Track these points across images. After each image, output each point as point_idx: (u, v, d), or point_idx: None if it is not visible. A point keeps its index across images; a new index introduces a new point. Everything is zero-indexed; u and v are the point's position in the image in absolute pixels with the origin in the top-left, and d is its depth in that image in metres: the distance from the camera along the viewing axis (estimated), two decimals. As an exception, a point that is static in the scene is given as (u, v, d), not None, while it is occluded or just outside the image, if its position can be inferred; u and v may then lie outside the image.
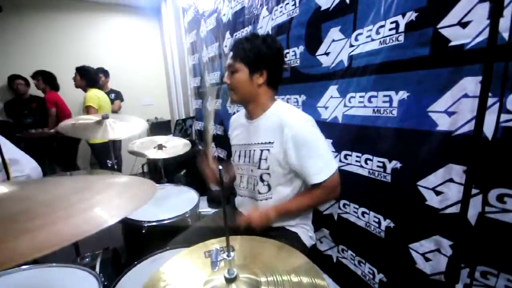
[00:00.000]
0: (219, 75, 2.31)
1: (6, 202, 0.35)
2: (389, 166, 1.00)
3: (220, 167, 0.50)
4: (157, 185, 1.73)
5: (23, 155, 1.71)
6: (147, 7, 4.00)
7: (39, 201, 0.36)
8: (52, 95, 3.02)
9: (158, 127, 3.68)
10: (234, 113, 2.15)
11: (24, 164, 1.46)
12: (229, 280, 0.50)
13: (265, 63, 0.92)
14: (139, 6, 3.91)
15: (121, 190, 0.44)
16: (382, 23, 0.95)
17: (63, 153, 3.19)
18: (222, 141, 2.47)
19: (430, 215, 0.89)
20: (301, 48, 1.32)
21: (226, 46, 2.11)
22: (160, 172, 2.00)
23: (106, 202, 0.38)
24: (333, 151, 1.21)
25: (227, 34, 2.05)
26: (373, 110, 1.02)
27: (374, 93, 1.01)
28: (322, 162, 0.88)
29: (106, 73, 3.52)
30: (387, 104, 0.97)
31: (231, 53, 0.95)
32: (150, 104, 4.34)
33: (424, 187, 0.90)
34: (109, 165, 1.71)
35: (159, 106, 4.39)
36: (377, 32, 0.97)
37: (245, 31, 1.81)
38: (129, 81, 3.96)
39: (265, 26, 1.59)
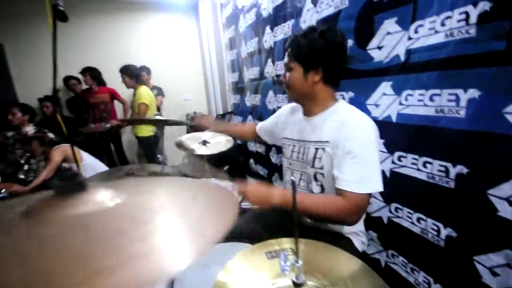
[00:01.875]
0: (258, 70, 2.30)
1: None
2: (453, 171, 0.91)
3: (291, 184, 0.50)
4: (204, 179, 1.82)
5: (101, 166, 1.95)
6: (184, 4, 4.13)
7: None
8: (107, 89, 3.35)
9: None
10: (273, 109, 2.15)
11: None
12: (297, 285, 0.51)
13: (320, 60, 0.86)
14: (177, 3, 4.04)
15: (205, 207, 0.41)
16: (449, 13, 0.85)
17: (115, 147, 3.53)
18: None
19: (501, 227, 0.81)
20: (350, 42, 1.25)
21: (266, 41, 2.09)
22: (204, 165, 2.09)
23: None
24: (384, 152, 1.15)
25: (267, 29, 2.03)
26: (436, 109, 0.93)
27: (437, 91, 0.92)
28: (365, 174, 0.80)
29: (148, 70, 3.75)
30: (453, 104, 0.88)
31: (288, 50, 0.93)
32: (189, 99, 4.53)
33: (496, 196, 0.81)
34: (160, 159, 1.83)
35: (197, 101, 4.56)
36: (442, 24, 0.88)
37: (287, 25, 1.77)
38: (168, 76, 4.15)
39: (308, 19, 1.54)
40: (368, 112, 1.21)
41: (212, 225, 0.35)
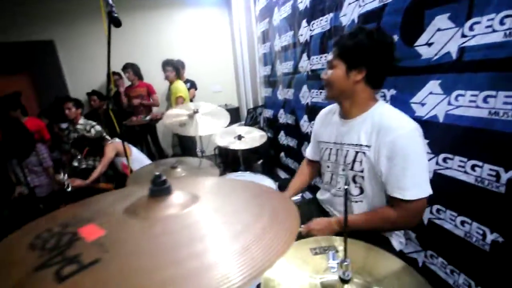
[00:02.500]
0: (292, 64, 2.30)
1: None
2: (505, 176, 0.88)
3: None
4: (238, 172, 1.90)
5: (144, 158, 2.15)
6: (216, -2, 4.17)
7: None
8: (145, 84, 3.56)
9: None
10: (306, 104, 2.15)
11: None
12: (345, 281, 0.56)
13: (365, 59, 0.87)
14: (209, -2, 4.09)
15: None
16: (509, 12, 0.80)
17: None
18: (292, 130, 2.51)
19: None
20: (395, 37, 1.21)
21: (301, 35, 2.07)
22: (238, 160, 2.18)
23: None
24: (428, 153, 1.12)
25: (304, 23, 2.01)
26: (489, 111, 0.89)
27: (493, 93, 0.88)
28: (417, 180, 0.80)
29: (183, 64, 3.90)
30: (510, 107, 0.83)
31: (333, 48, 0.94)
32: (219, 91, 4.64)
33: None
34: (199, 153, 1.95)
35: (227, 93, 4.66)
36: (502, 23, 0.82)
37: (325, 19, 1.74)
38: (199, 69, 4.27)
39: (350, 13, 1.50)
40: (411, 111, 1.18)
41: (274, 242, 0.36)
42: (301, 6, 2.00)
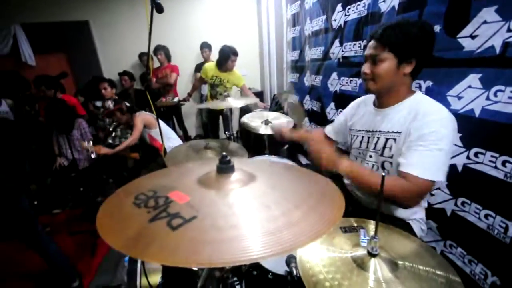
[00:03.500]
0: (323, 50, 2.28)
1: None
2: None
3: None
4: (265, 156, 1.99)
5: (172, 133, 2.30)
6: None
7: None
8: (171, 65, 3.69)
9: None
10: (335, 92, 2.15)
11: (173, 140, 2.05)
12: (372, 255, 0.64)
13: (417, 51, 0.87)
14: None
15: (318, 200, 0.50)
16: None
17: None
18: (317, 116, 2.53)
19: None
20: (437, 27, 1.19)
21: (335, 20, 2.04)
22: (262, 143, 2.27)
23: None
24: (460, 146, 1.14)
25: (339, 7, 1.97)
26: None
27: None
28: (432, 162, 0.82)
29: (210, 46, 3.96)
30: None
31: (374, 42, 0.92)
32: (244, 75, 4.66)
33: None
34: (227, 135, 2.05)
35: (251, 77, 4.67)
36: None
37: (363, 4, 1.70)
38: (225, 53, 4.30)
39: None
40: (447, 104, 1.18)
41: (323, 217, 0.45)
42: (337, -10, 1.96)
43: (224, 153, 0.54)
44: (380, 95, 1.01)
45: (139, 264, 1.17)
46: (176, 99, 3.42)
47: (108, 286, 1.29)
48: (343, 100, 2.07)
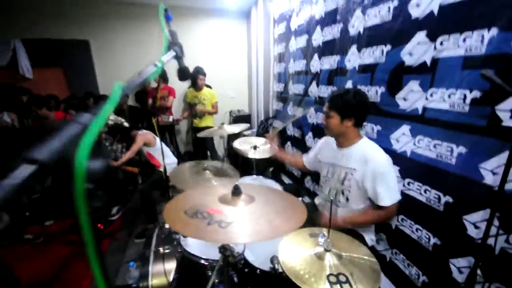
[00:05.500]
0: (303, 88, 2.71)
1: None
2: (443, 199, 1.30)
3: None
4: (253, 176, 2.32)
5: (168, 151, 2.59)
6: (237, 11, 4.57)
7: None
8: (169, 87, 4.00)
9: (240, 119, 4.37)
10: (313, 124, 2.57)
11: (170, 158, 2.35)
12: (327, 250, 0.98)
13: (353, 112, 1.30)
14: (229, 9, 4.49)
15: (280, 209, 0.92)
16: (453, 91, 1.21)
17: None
18: (298, 142, 2.93)
19: (469, 244, 1.19)
20: (382, 88, 1.63)
21: (313, 65, 2.49)
22: (250, 164, 2.60)
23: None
24: (398, 176, 1.54)
25: (315, 56, 2.42)
26: (436, 154, 1.32)
27: (439, 142, 1.30)
28: (391, 192, 1.25)
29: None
30: (449, 153, 1.26)
31: (327, 104, 1.36)
32: (233, 97, 5.04)
33: (467, 221, 1.19)
34: (221, 156, 2.37)
35: (239, 100, 5.07)
36: (449, 96, 1.24)
37: (333, 59, 2.16)
38: (216, 76, 4.68)
39: (352, 61, 1.92)
40: (390, 144, 1.60)
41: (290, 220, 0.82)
42: (315, 43, 2.42)
43: (236, 183, 0.88)
44: (336, 138, 1.44)
45: (150, 267, 1.43)
46: (171, 119, 3.70)
47: (120, 285, 1.50)
48: (319, 131, 2.48)
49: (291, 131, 3.10)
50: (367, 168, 1.28)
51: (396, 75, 1.53)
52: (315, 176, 2.52)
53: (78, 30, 4.10)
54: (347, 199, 1.39)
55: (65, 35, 4.05)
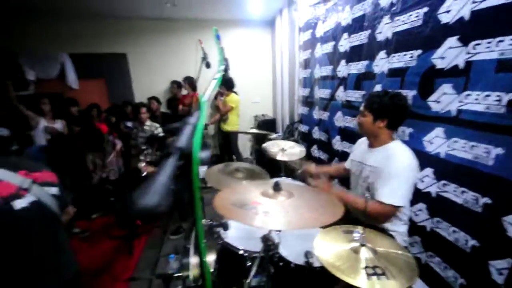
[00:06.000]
0: (330, 92, 2.76)
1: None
2: (481, 200, 1.29)
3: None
4: (282, 178, 2.40)
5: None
6: (261, 20, 4.74)
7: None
8: (197, 95, 4.21)
9: (264, 123, 4.49)
10: (339, 127, 2.60)
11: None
12: (362, 245, 1.03)
13: (387, 113, 1.33)
14: (255, 19, 4.67)
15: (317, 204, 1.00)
16: (489, 93, 1.22)
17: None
18: (325, 146, 2.97)
19: (508, 243, 1.18)
20: (414, 92, 1.65)
21: (339, 70, 2.54)
22: (277, 166, 2.69)
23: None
24: (433, 178, 1.54)
25: (343, 62, 2.48)
26: (474, 156, 1.32)
27: (475, 143, 1.30)
28: (393, 192, 1.24)
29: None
30: (486, 155, 1.25)
31: (364, 102, 1.41)
32: (257, 102, 5.19)
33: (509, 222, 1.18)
34: (250, 158, 2.48)
35: (264, 104, 5.21)
36: (484, 99, 1.25)
37: (361, 64, 2.20)
38: (241, 81, 4.85)
39: (381, 65, 1.95)
40: (422, 146, 1.61)
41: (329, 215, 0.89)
42: (341, 49, 2.47)
43: (277, 180, 0.97)
44: (368, 138, 1.48)
45: (191, 259, 1.55)
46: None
47: (162, 274, 1.63)
48: (347, 133, 2.51)
49: (317, 134, 3.14)
50: (385, 163, 1.30)
51: (428, 78, 1.55)
52: (343, 180, 2.54)
53: (117, 44, 4.51)
54: (372, 195, 1.41)
55: (105, 49, 4.46)
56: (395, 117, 1.35)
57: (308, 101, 3.39)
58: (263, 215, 0.83)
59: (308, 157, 3.37)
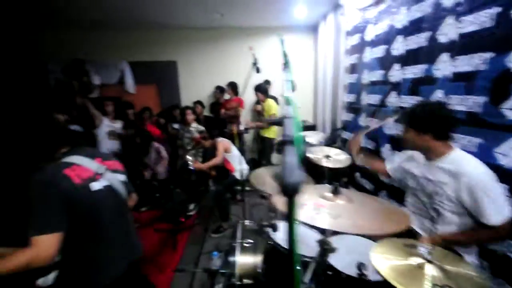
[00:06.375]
0: (380, 98, 2.63)
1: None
2: None
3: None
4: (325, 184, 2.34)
5: (243, 158, 2.84)
6: (304, 26, 4.73)
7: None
8: (239, 99, 4.34)
9: (304, 130, 4.43)
10: (390, 135, 2.46)
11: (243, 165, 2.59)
12: (428, 261, 0.95)
13: (427, 126, 1.22)
14: (297, 25, 4.68)
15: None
16: None
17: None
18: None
19: None
20: (483, 98, 1.49)
21: (392, 75, 2.41)
22: (323, 174, 2.62)
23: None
24: (508, 196, 1.37)
25: (396, 66, 2.34)
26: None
27: None
28: (499, 206, 1.11)
29: (269, 82, 4.60)
30: None
31: (400, 117, 1.34)
32: (298, 107, 5.15)
33: None
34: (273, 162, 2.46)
35: (304, 110, 5.16)
36: None
37: (418, 68, 2.06)
38: (281, 87, 4.88)
39: (443, 68, 1.81)
40: (494, 159, 1.44)
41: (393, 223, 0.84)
42: (395, 52, 2.34)
43: (335, 183, 0.95)
44: (420, 152, 1.36)
45: (236, 258, 1.58)
46: (243, 128, 4.01)
47: (207, 268, 1.69)
48: (399, 142, 2.36)
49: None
50: (461, 182, 1.17)
51: (501, 84, 1.39)
52: (393, 192, 2.38)
53: (168, 52, 4.88)
54: (438, 212, 1.30)
55: (158, 57, 4.86)
56: (439, 128, 1.23)
57: (354, 107, 3.27)
58: (329, 216, 0.82)
59: (351, 164, 3.24)
